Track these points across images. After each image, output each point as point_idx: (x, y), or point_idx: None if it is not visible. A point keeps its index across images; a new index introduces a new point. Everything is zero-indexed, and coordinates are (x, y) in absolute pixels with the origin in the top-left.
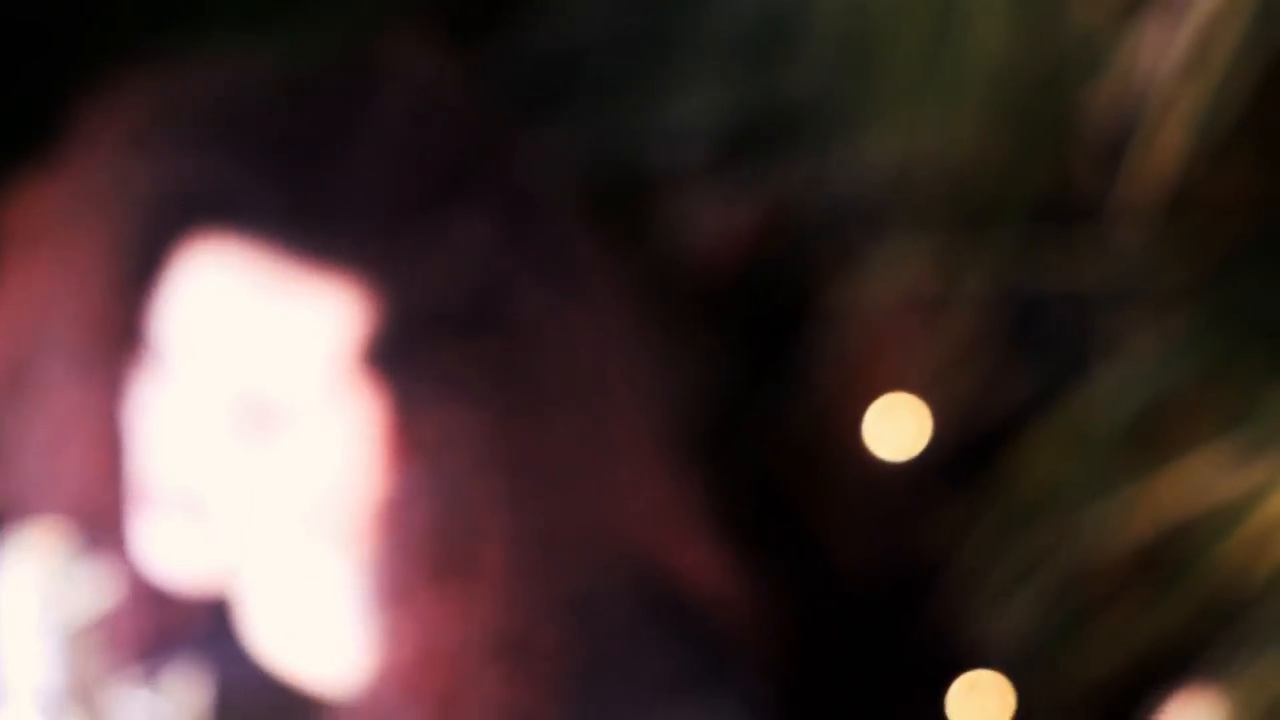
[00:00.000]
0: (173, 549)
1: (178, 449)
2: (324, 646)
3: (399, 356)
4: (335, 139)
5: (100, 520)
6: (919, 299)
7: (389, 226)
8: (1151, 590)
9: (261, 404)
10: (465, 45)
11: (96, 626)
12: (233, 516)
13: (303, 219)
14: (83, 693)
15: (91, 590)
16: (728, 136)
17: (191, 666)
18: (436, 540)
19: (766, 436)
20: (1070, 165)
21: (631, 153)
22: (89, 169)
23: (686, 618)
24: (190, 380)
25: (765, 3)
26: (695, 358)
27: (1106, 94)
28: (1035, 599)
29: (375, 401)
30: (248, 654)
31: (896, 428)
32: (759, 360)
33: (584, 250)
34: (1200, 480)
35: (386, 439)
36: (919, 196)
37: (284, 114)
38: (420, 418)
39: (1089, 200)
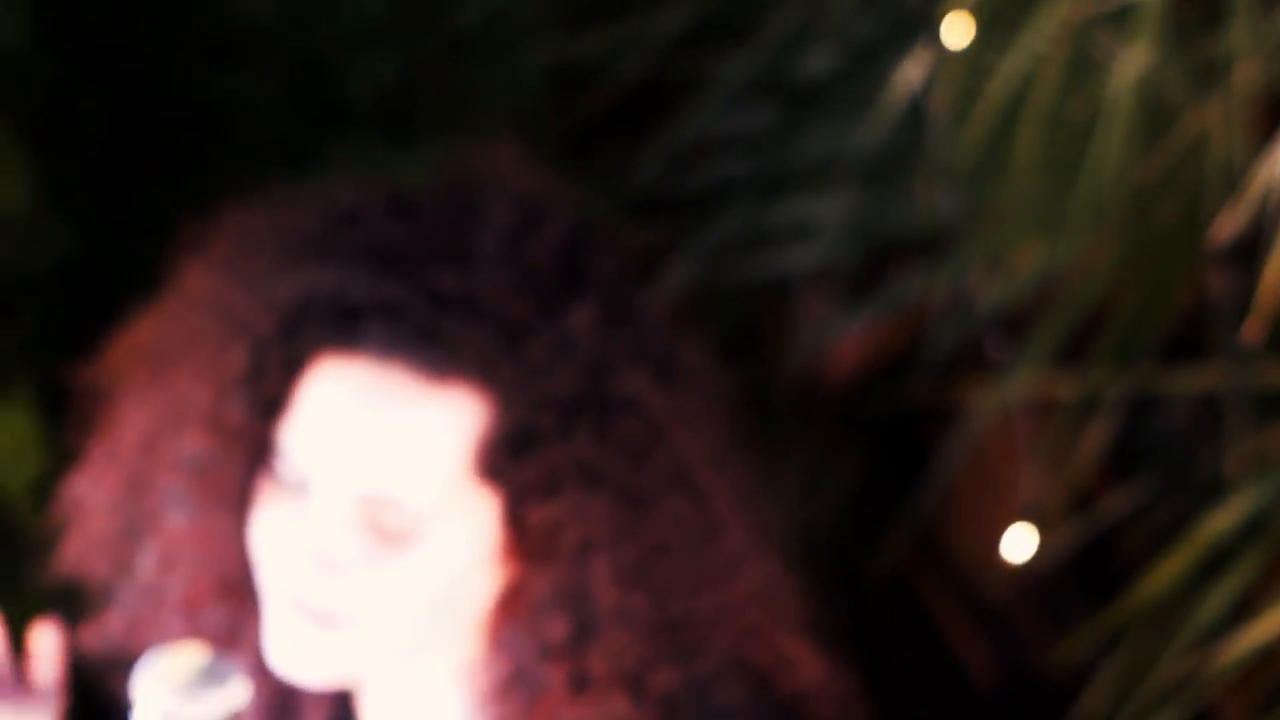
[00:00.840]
0: (300, 656)
1: (306, 561)
2: None
3: (513, 456)
4: (448, 254)
5: (220, 629)
6: (1049, 405)
7: (502, 342)
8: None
9: (390, 516)
10: (603, 155)
11: None
12: (361, 626)
13: (427, 335)
14: None
15: (224, 695)
16: (862, 245)
17: None
18: (553, 629)
19: (895, 538)
20: (1202, 276)
21: (765, 258)
22: (215, 288)
23: (782, 710)
24: (320, 494)
25: (904, 122)
26: (821, 459)
27: (1239, 208)
28: (1166, 713)
29: (492, 501)
30: None
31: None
32: (887, 462)
33: (679, 343)
34: None
35: (502, 535)
36: (1051, 307)
37: (401, 231)
38: (532, 511)
39: (1220, 310)
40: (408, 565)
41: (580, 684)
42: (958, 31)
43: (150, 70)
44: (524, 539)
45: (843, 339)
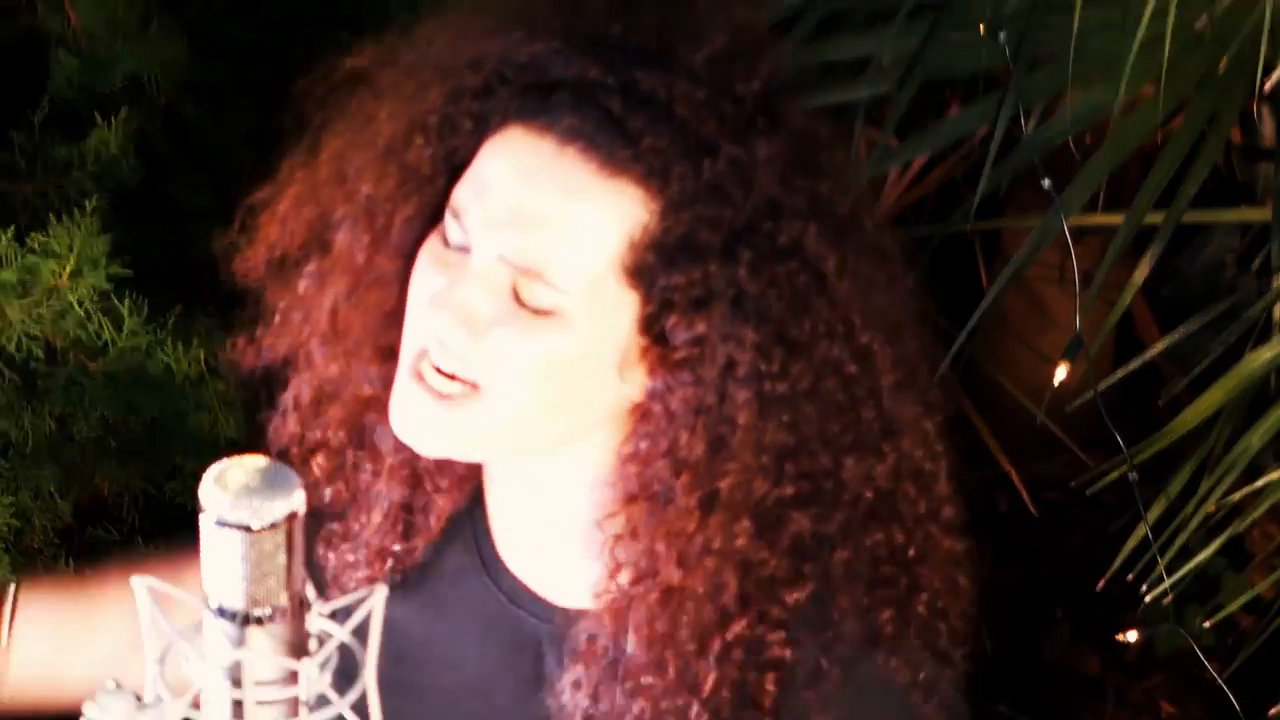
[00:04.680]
0: (421, 422)
1: (448, 314)
2: (560, 549)
3: (665, 263)
4: (656, 57)
5: (366, 385)
6: (1098, 238)
7: (686, 151)
8: None
9: (535, 292)
10: None
11: (282, 536)
12: (484, 394)
13: (615, 126)
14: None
15: (283, 501)
16: (919, 79)
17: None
18: (687, 443)
19: (944, 365)
20: (1253, 114)
21: (825, 91)
22: (429, 37)
23: (899, 585)
24: (476, 256)
25: None
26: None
27: None
28: (1202, 534)
29: (634, 303)
30: (485, 555)
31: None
32: (938, 291)
33: (861, 211)
34: None
35: (639, 341)
36: (1104, 143)
37: (616, 27)
38: (673, 322)
39: (1268, 151)
40: (540, 341)
41: (709, 503)
42: None
43: None
44: (664, 350)
45: (898, 170)
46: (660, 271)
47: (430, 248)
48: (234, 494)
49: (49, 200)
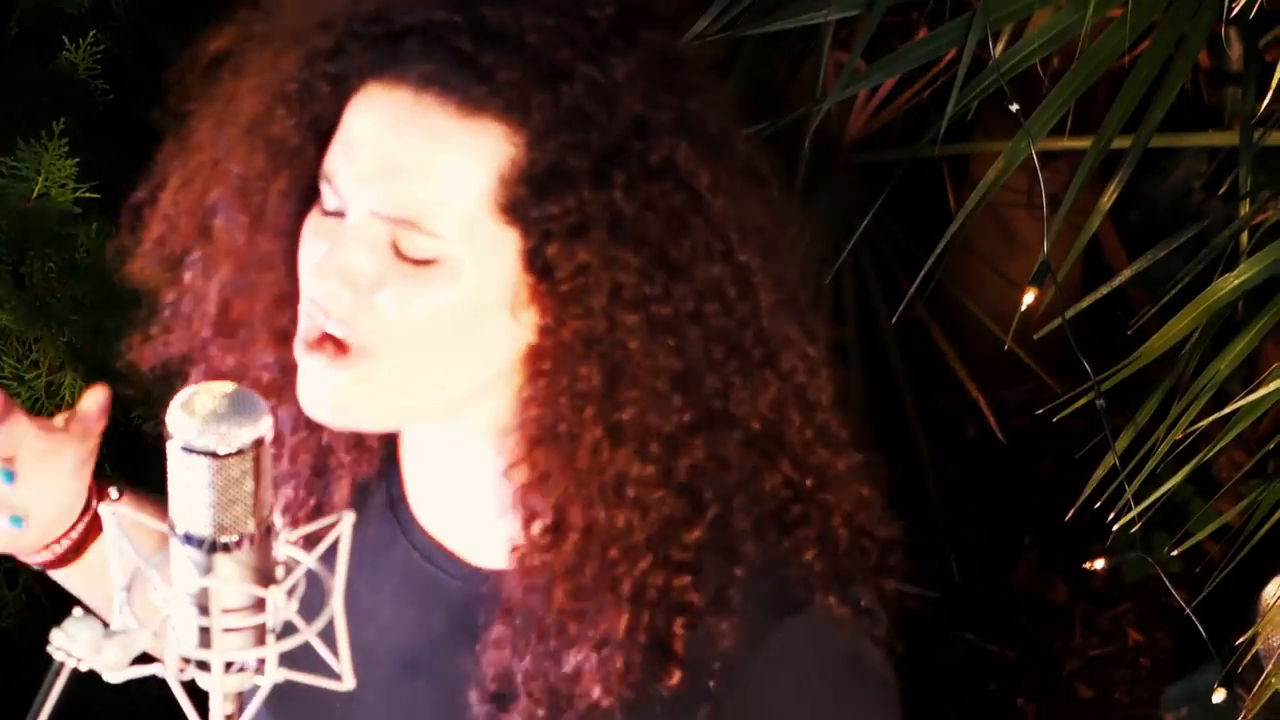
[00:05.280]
0: (321, 392)
1: (332, 278)
2: (473, 508)
3: (537, 195)
4: None
5: (269, 356)
6: (1065, 162)
7: (541, 80)
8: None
9: (412, 241)
10: None
11: (248, 465)
12: (378, 357)
13: (467, 65)
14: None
15: (249, 427)
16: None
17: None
18: (584, 376)
19: (912, 288)
20: (1221, 38)
21: (793, 12)
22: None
23: (809, 519)
24: (350, 215)
25: None
26: (841, 210)
27: None
28: (1170, 462)
29: (515, 241)
30: (401, 518)
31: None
32: (905, 213)
33: (727, 127)
34: None
35: (526, 279)
36: (1070, 67)
37: None
38: (554, 251)
39: (1237, 73)
40: (428, 294)
41: (614, 435)
42: None
43: None
44: (550, 284)
45: (866, 94)
46: (534, 203)
47: (310, 221)
48: (201, 420)
49: (16, 123)
